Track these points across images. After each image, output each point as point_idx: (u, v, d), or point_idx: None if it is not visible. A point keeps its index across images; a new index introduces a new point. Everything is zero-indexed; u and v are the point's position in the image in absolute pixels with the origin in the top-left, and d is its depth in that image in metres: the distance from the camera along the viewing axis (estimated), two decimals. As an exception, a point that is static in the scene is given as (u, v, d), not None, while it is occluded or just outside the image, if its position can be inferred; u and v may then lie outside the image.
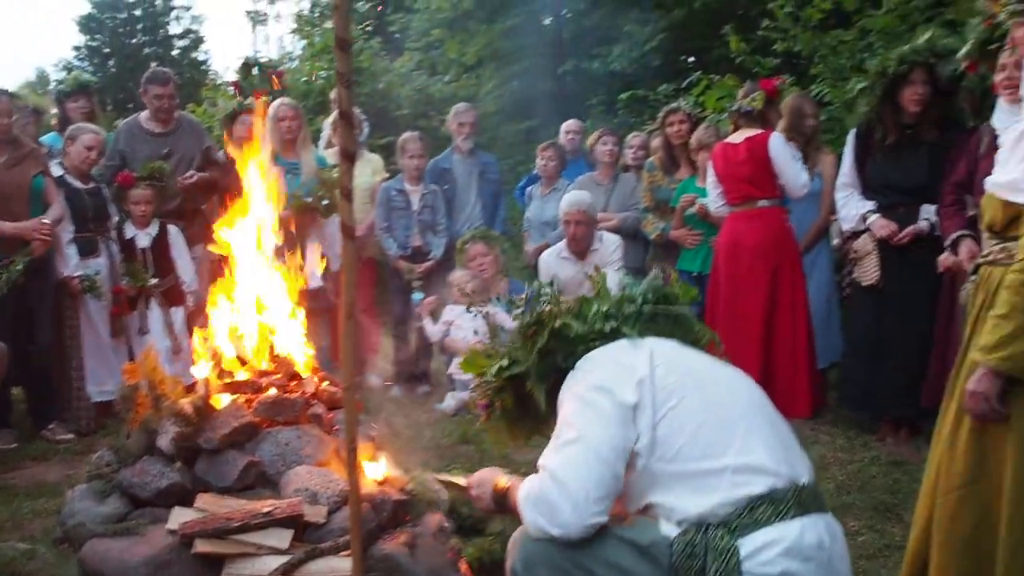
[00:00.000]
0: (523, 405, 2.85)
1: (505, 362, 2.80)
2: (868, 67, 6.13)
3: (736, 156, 6.06)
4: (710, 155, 6.29)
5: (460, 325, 6.87)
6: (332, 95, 9.42)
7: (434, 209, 7.38)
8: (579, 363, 2.64)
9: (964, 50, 4.93)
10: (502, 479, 2.77)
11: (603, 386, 2.50)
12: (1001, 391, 2.77)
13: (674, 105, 7.19)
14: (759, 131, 6.08)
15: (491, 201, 7.80)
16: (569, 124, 8.55)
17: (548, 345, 2.71)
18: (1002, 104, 4.31)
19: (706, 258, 6.54)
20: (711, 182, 6.26)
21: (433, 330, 6.99)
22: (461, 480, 3.02)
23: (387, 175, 7.80)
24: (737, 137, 6.13)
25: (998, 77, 4.36)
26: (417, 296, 7.13)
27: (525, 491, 2.54)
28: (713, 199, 6.26)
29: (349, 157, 2.65)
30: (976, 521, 2.90)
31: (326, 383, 4.08)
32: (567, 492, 2.42)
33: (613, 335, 2.67)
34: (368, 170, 7.67)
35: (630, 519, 2.53)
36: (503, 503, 2.74)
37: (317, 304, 5.95)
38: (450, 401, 6.67)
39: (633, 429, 2.44)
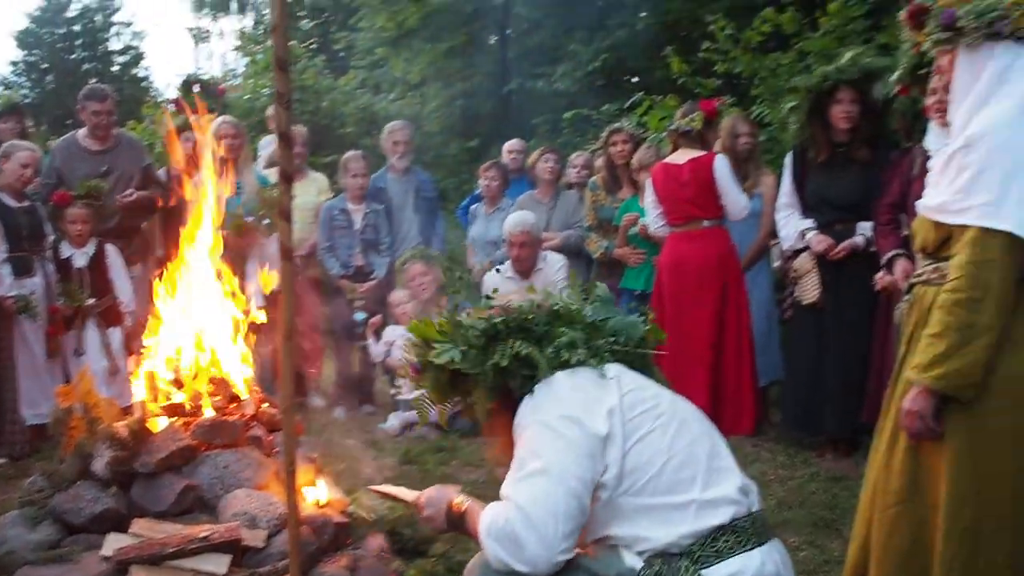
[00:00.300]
0: (455, 389, 2.78)
1: (457, 356, 2.67)
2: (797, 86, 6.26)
3: (679, 177, 6.12)
4: (650, 175, 6.33)
5: (401, 345, 6.82)
6: (268, 112, 9.36)
7: (377, 228, 7.35)
8: (539, 389, 2.57)
9: (896, 74, 5.01)
10: (457, 498, 2.70)
11: (573, 416, 2.44)
12: (935, 409, 2.80)
13: (617, 125, 7.26)
14: (702, 152, 6.16)
15: (428, 219, 7.78)
16: (511, 144, 8.58)
17: (508, 367, 2.61)
18: (933, 127, 4.40)
19: (649, 276, 6.59)
20: (650, 202, 6.31)
21: (376, 350, 6.96)
22: (408, 496, 2.93)
23: (332, 194, 7.76)
24: (679, 158, 6.19)
25: (929, 100, 4.44)
26: (360, 316, 7.09)
27: (488, 521, 2.47)
28: (653, 219, 6.32)
29: (287, 178, 2.64)
30: (912, 537, 2.92)
31: (266, 404, 4.04)
32: (535, 527, 2.36)
33: (577, 366, 2.59)
34: (313, 189, 7.63)
35: (593, 551, 2.51)
36: (459, 524, 2.67)
37: (260, 323, 5.89)
38: (393, 421, 6.63)
39: (602, 461, 2.40)
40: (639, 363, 2.75)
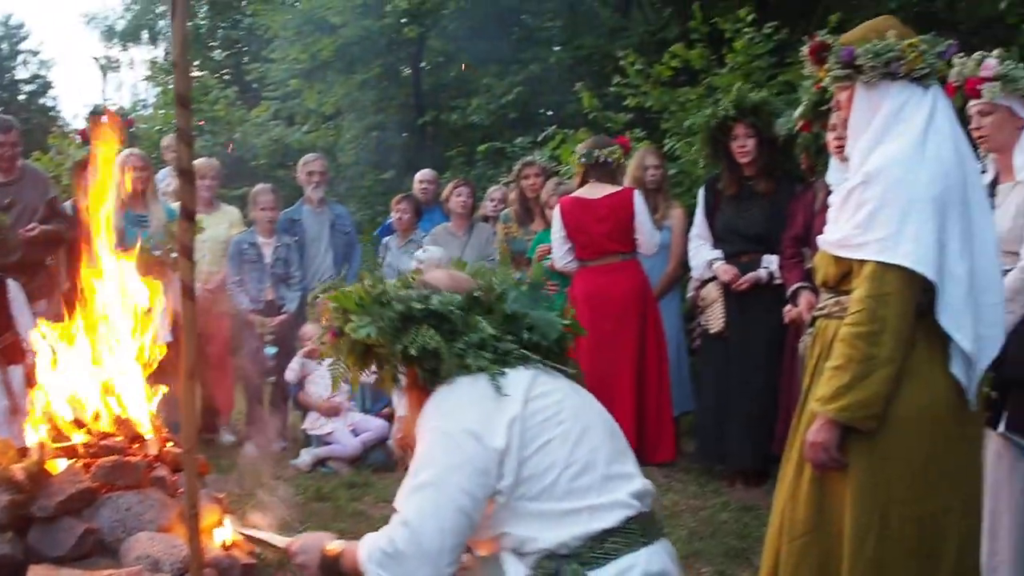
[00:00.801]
0: (368, 360, 2.79)
1: (373, 332, 2.65)
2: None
3: (596, 212, 6.18)
4: (561, 209, 6.33)
5: (314, 380, 6.76)
6: (165, 142, 9.20)
7: (287, 262, 7.26)
8: (444, 390, 2.58)
9: (798, 111, 5.20)
10: (331, 544, 2.68)
11: (471, 429, 2.45)
12: (839, 440, 2.86)
13: (529, 159, 7.31)
14: (616, 187, 6.23)
15: (343, 253, 7.72)
16: (423, 174, 8.57)
17: (416, 356, 2.61)
18: (834, 162, 4.53)
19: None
20: (559, 237, 6.32)
21: (289, 374, 6.83)
22: (279, 542, 2.90)
23: (244, 227, 7.66)
24: (593, 192, 6.24)
25: (829, 136, 4.59)
26: (270, 351, 6.99)
27: (369, 548, 2.48)
28: (561, 255, 6.33)
29: (189, 215, 2.60)
30: (819, 567, 2.96)
31: (170, 444, 3.95)
32: (420, 544, 2.38)
33: (479, 371, 2.59)
34: (224, 222, 7.52)
35: (475, 565, 2.54)
36: (334, 568, 2.64)
37: (166, 360, 5.77)
38: (305, 457, 6.54)
39: (497, 473, 2.42)
40: (554, 359, 2.77)
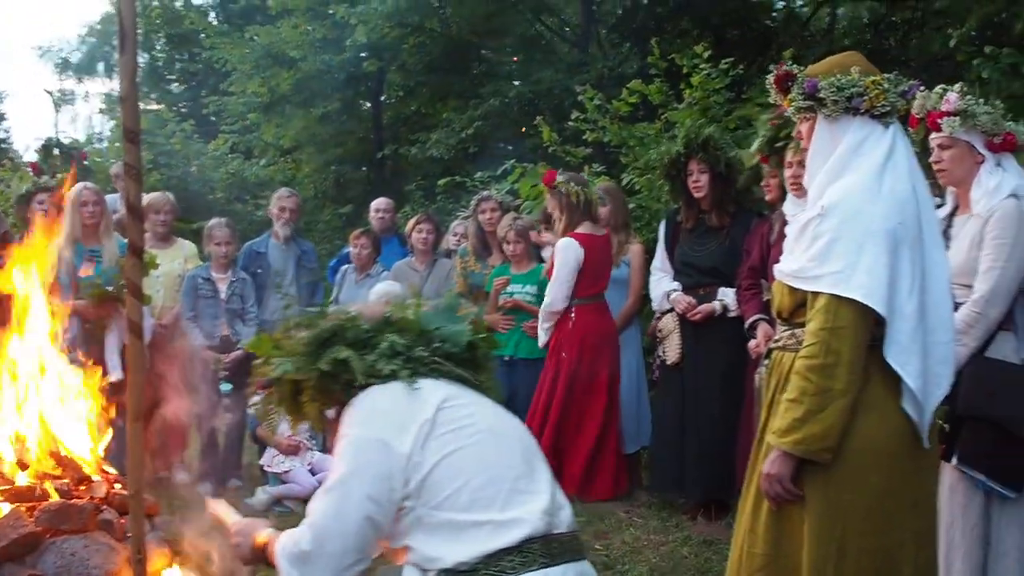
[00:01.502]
0: (296, 402, 2.83)
1: (289, 367, 2.74)
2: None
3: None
4: (581, 246, 6.23)
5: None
6: (113, 170, 9.04)
7: (243, 297, 7.17)
8: (358, 399, 2.64)
9: (755, 145, 5.25)
10: (261, 534, 2.75)
11: (379, 436, 2.51)
12: (795, 473, 2.86)
13: (486, 193, 7.31)
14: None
15: (307, 289, 7.65)
16: (378, 203, 8.52)
17: (331, 371, 2.69)
18: (790, 196, 4.56)
19: (519, 343, 6.60)
20: (568, 274, 6.24)
21: (252, 409, 6.71)
22: (228, 520, 3.00)
23: (201, 262, 7.56)
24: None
25: (786, 173, 4.63)
26: (225, 387, 6.88)
27: (282, 544, 2.57)
28: (565, 295, 6.27)
29: (136, 252, 2.55)
30: (778, 599, 2.96)
31: (118, 486, 3.84)
32: (323, 545, 2.47)
33: (391, 377, 2.65)
34: (180, 256, 7.43)
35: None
36: (260, 556, 2.74)
37: (118, 398, 5.65)
38: (261, 496, 6.43)
39: (402, 478, 2.47)
40: (468, 369, 2.80)
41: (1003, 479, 3.69)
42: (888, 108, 2.93)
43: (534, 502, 2.52)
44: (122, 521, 3.71)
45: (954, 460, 3.71)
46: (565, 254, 6.24)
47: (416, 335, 2.78)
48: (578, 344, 6.23)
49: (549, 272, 6.36)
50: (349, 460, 2.52)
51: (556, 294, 6.27)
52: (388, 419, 2.54)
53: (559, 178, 6.35)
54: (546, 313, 6.32)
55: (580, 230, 6.29)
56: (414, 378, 2.65)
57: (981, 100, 3.85)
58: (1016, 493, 3.71)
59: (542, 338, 6.36)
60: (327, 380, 2.70)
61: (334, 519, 2.48)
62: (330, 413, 2.80)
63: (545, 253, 6.59)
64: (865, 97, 2.91)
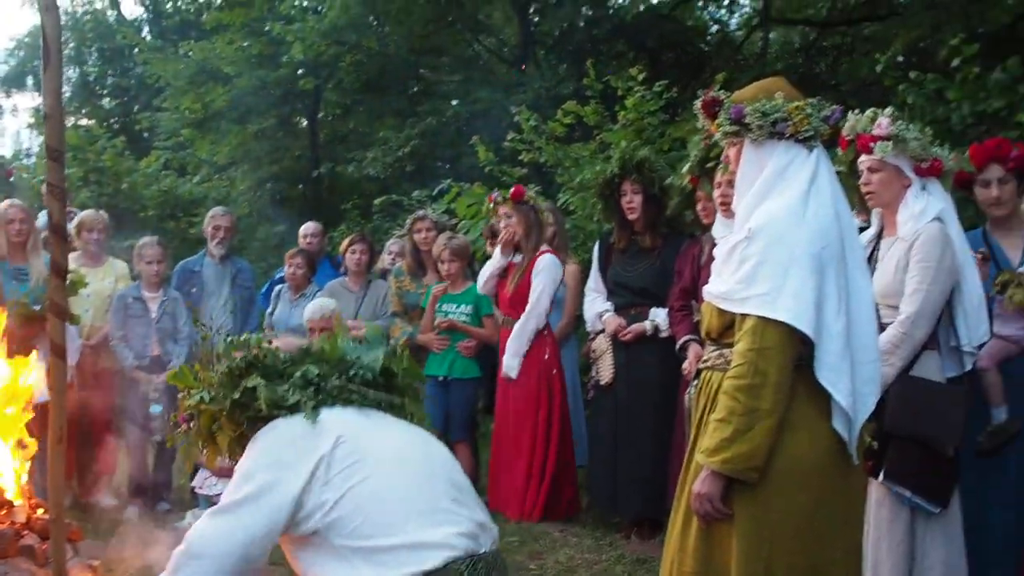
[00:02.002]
0: (212, 434, 2.87)
1: (206, 396, 2.78)
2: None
3: None
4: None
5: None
6: (44, 188, 8.88)
7: (174, 316, 7.06)
8: (260, 432, 2.67)
9: (686, 166, 5.31)
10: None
11: (271, 470, 2.55)
12: (723, 492, 2.88)
13: (420, 213, 7.29)
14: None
15: (242, 308, 7.56)
16: (306, 227, 8.48)
17: (241, 399, 2.73)
18: (719, 217, 4.62)
19: (453, 363, 6.58)
20: (552, 294, 6.40)
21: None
22: None
23: (133, 281, 7.43)
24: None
25: (715, 193, 4.69)
26: (156, 408, 6.76)
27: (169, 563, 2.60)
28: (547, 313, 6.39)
29: (60, 272, 2.50)
30: (707, 617, 2.98)
31: (40, 511, 3.76)
32: (195, 567, 2.52)
33: (295, 407, 2.68)
34: (111, 275, 7.30)
35: None
36: None
37: (42, 420, 5.53)
38: (190, 519, 6.31)
39: (288, 514, 2.50)
40: (388, 393, 2.88)
41: (928, 495, 3.78)
42: (812, 132, 2.98)
43: (453, 524, 2.54)
44: (43, 546, 3.63)
45: (881, 477, 3.78)
46: (553, 272, 6.33)
47: (334, 363, 2.82)
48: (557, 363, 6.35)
49: (503, 289, 6.36)
50: (240, 491, 2.56)
51: (543, 312, 6.32)
52: (283, 455, 2.57)
53: (528, 193, 6.38)
54: (530, 332, 6.30)
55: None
56: (318, 410, 2.68)
57: (911, 126, 3.94)
58: (940, 508, 3.80)
59: (515, 364, 6.28)
60: (237, 410, 2.73)
61: (216, 545, 2.53)
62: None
63: (488, 270, 6.53)
64: (789, 122, 2.96)
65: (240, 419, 2.73)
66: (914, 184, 3.92)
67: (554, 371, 6.30)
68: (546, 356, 6.28)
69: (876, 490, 3.84)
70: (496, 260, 6.42)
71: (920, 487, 3.78)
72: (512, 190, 6.36)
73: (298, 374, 2.74)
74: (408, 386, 2.97)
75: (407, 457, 2.66)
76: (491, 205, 6.46)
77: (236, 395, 2.70)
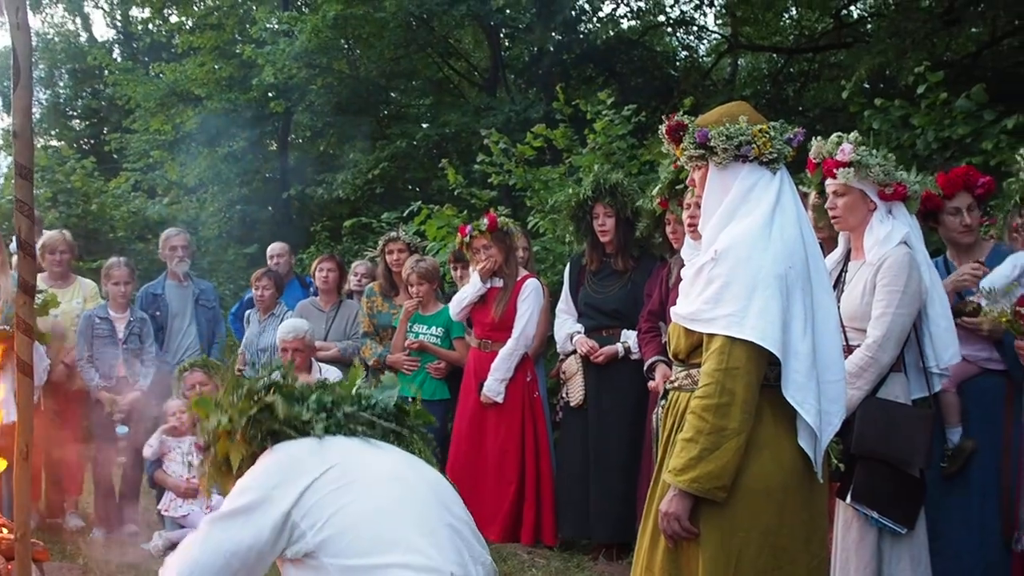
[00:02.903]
0: (229, 467, 2.85)
1: (225, 419, 2.78)
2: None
3: None
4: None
5: (174, 458, 6.50)
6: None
7: (142, 337, 7.02)
8: (267, 452, 2.70)
9: (656, 189, 5.35)
10: None
11: (264, 487, 2.56)
12: (691, 511, 2.91)
13: (393, 234, 7.29)
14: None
15: (207, 328, 7.55)
16: (273, 248, 8.49)
17: (257, 416, 2.73)
18: (688, 239, 4.66)
19: (422, 383, 6.58)
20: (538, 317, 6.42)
21: (147, 451, 6.53)
22: None
23: (103, 300, 7.39)
24: None
25: (684, 215, 4.73)
26: (122, 430, 6.71)
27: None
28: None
29: (28, 290, 2.50)
30: (674, 637, 2.99)
31: (5, 531, 3.72)
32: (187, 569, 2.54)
33: (308, 424, 2.72)
34: (79, 295, 7.25)
35: None
36: None
37: (11, 441, 5.47)
38: (157, 541, 6.24)
39: (272, 534, 2.52)
40: (399, 425, 2.89)
41: (895, 516, 3.81)
42: (775, 155, 3.03)
43: (439, 547, 2.53)
44: (8, 567, 3.59)
45: (848, 498, 3.81)
46: (539, 297, 6.34)
47: (348, 397, 2.85)
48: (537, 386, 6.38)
49: (485, 314, 6.37)
50: (230, 504, 2.59)
51: (531, 336, 6.31)
52: (278, 474, 2.59)
53: (500, 218, 6.40)
54: (518, 357, 6.27)
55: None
56: (327, 434, 2.71)
57: (875, 151, 3.98)
58: (907, 529, 3.83)
59: (501, 388, 6.22)
60: (253, 427, 2.73)
61: (199, 549, 2.56)
62: None
63: (466, 298, 6.51)
64: (753, 145, 3.01)
65: (253, 435, 2.74)
66: (879, 208, 3.95)
67: (535, 394, 6.31)
68: (528, 379, 6.29)
69: (844, 511, 3.88)
70: (474, 287, 6.38)
71: (887, 508, 3.80)
72: (487, 221, 6.34)
73: (313, 397, 2.77)
74: (417, 427, 2.99)
75: (405, 480, 2.66)
76: (466, 239, 6.40)
77: (253, 410, 2.73)
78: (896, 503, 3.82)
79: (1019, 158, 4.58)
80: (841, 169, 3.95)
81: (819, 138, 4.12)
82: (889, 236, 3.90)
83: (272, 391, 2.77)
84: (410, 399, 3.05)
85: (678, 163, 4.97)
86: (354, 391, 2.89)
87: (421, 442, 2.94)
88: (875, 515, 3.79)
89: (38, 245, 7.46)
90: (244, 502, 2.56)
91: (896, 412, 3.83)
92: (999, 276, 4.24)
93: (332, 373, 6.60)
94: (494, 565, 2.68)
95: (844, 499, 3.83)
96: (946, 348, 3.95)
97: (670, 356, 3.30)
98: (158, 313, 7.30)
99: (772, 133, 3.04)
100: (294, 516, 2.52)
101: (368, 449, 2.73)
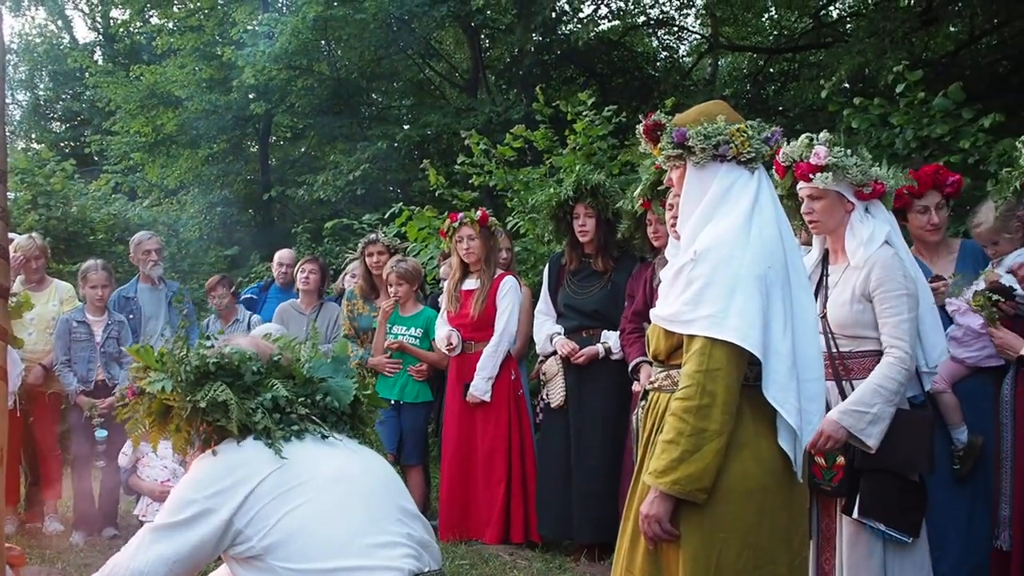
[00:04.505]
0: (167, 421, 2.86)
1: (168, 387, 2.76)
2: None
3: None
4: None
5: (148, 464, 6.43)
6: None
7: (119, 340, 6.97)
8: (209, 456, 2.69)
9: (637, 190, 5.34)
10: None
11: (209, 498, 2.57)
12: (671, 512, 2.89)
13: (373, 236, 7.27)
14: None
15: (183, 330, 7.50)
16: (281, 255, 8.49)
17: (206, 408, 2.72)
18: (671, 240, 4.65)
19: (404, 387, 6.56)
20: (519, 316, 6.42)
21: (122, 459, 6.47)
22: None
23: (80, 303, 7.34)
24: None
25: (667, 216, 4.72)
26: (101, 434, 6.66)
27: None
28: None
29: (2, 293, 2.47)
30: (655, 639, 2.98)
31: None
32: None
33: (263, 433, 2.69)
34: (56, 298, 7.20)
35: None
36: None
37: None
38: (137, 545, 6.21)
39: (218, 535, 2.54)
40: (347, 422, 2.89)
41: (901, 526, 3.79)
42: (753, 154, 3.02)
43: (397, 546, 2.56)
44: (-15, 573, 3.56)
45: (855, 513, 3.79)
46: (517, 293, 6.38)
47: (302, 383, 2.83)
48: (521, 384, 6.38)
49: (489, 312, 6.34)
50: (174, 515, 2.60)
51: (513, 333, 6.34)
52: (223, 481, 2.59)
53: (492, 220, 6.45)
54: (502, 354, 6.29)
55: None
56: (283, 441, 2.68)
57: (848, 151, 3.91)
58: (913, 537, 3.81)
59: (487, 387, 6.23)
60: (198, 415, 2.72)
61: (141, 561, 2.58)
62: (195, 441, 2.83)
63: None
64: (731, 144, 3.01)
65: (199, 424, 2.74)
66: (857, 208, 3.90)
67: (519, 392, 6.31)
68: (512, 377, 6.29)
69: (848, 526, 3.85)
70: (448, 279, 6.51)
71: (895, 519, 3.79)
72: (480, 214, 6.38)
73: (269, 396, 2.74)
74: (368, 414, 2.99)
75: (352, 479, 2.67)
76: (455, 224, 6.42)
77: (202, 403, 2.71)
78: (902, 512, 3.80)
79: (1019, 145, 4.51)
80: (818, 174, 3.88)
81: (787, 140, 4.07)
82: (872, 237, 3.86)
83: (220, 376, 2.76)
84: (361, 372, 3.06)
85: (659, 165, 4.98)
86: (308, 373, 2.89)
87: (374, 432, 2.97)
88: (881, 527, 3.77)
89: (11, 247, 7.39)
90: (187, 516, 2.58)
91: (897, 419, 3.76)
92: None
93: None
94: (439, 551, 2.73)
95: (850, 515, 3.81)
96: (935, 347, 3.93)
97: (650, 356, 3.28)
98: (131, 316, 7.26)
99: (750, 132, 3.02)
100: (236, 523, 2.54)
101: (317, 448, 2.72)
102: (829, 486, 3.84)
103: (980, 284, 4.22)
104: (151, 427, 2.90)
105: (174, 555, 2.56)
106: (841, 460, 3.79)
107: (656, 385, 3.15)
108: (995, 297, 4.12)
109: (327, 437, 2.77)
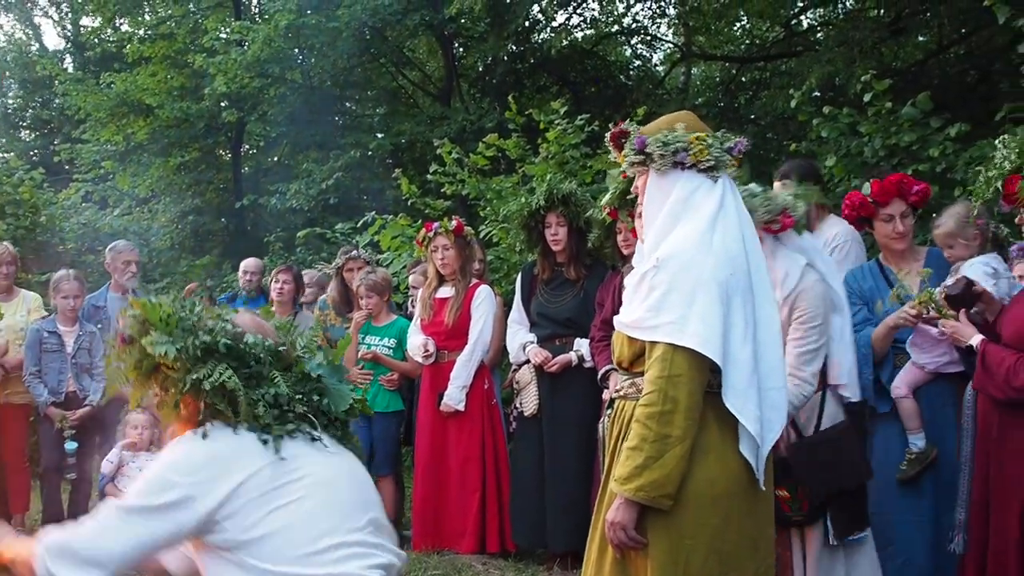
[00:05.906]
0: (153, 379, 2.78)
1: (171, 353, 2.64)
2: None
3: None
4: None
5: (128, 473, 6.36)
6: None
7: (91, 351, 6.91)
8: (198, 439, 2.60)
9: (606, 198, 5.35)
10: (8, 549, 2.68)
11: (193, 485, 2.50)
12: (637, 519, 2.91)
13: (354, 253, 7.24)
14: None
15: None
16: (247, 264, 8.42)
17: (209, 389, 2.63)
18: (639, 247, 4.67)
19: (376, 396, 6.54)
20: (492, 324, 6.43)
21: (106, 466, 6.39)
22: None
23: (46, 314, 7.27)
24: None
25: (636, 223, 4.74)
26: (71, 446, 6.59)
27: (51, 538, 2.55)
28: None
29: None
30: (625, 646, 2.99)
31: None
32: (86, 553, 2.47)
33: (266, 429, 2.63)
34: (23, 308, 7.14)
35: None
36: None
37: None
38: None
39: (196, 525, 2.49)
40: (337, 429, 2.86)
41: (860, 527, 3.95)
42: (713, 162, 3.05)
43: (370, 557, 2.55)
44: (-52, 587, 3.53)
45: (832, 540, 3.91)
46: (491, 302, 6.38)
47: (300, 378, 2.79)
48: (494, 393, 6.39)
49: (463, 321, 6.33)
50: (152, 498, 2.52)
51: (488, 342, 6.33)
52: (208, 469, 2.53)
53: (467, 229, 6.46)
54: (476, 363, 6.29)
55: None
56: (281, 438, 2.63)
57: (750, 187, 3.89)
58: (867, 529, 3.97)
59: (462, 396, 6.21)
60: (194, 391, 2.66)
61: (116, 545, 2.49)
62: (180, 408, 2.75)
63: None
64: (689, 152, 3.04)
65: (195, 399, 2.67)
66: (767, 241, 3.86)
67: (493, 401, 6.32)
68: (485, 386, 6.29)
69: (809, 546, 3.95)
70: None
71: (859, 525, 3.94)
72: (455, 224, 6.38)
73: (272, 392, 2.68)
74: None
75: (336, 486, 2.65)
76: (430, 235, 6.40)
77: (207, 384, 2.62)
78: (860, 516, 3.95)
79: (999, 144, 4.51)
80: None
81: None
82: (787, 277, 3.89)
83: (228, 358, 2.68)
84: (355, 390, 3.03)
85: (627, 174, 5.00)
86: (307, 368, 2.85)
87: (356, 437, 2.95)
88: (858, 535, 3.92)
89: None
90: (166, 500, 2.50)
91: (830, 443, 3.91)
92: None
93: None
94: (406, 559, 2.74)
95: (830, 542, 3.91)
96: (841, 364, 4.01)
97: (615, 363, 3.31)
98: (100, 325, 7.19)
99: (709, 141, 3.06)
100: (218, 516, 2.49)
101: (306, 449, 2.70)
102: (800, 516, 3.90)
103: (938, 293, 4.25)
104: (136, 381, 2.80)
105: (150, 540, 2.49)
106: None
107: (622, 393, 3.16)
108: (936, 293, 4.15)
109: (316, 440, 2.73)
